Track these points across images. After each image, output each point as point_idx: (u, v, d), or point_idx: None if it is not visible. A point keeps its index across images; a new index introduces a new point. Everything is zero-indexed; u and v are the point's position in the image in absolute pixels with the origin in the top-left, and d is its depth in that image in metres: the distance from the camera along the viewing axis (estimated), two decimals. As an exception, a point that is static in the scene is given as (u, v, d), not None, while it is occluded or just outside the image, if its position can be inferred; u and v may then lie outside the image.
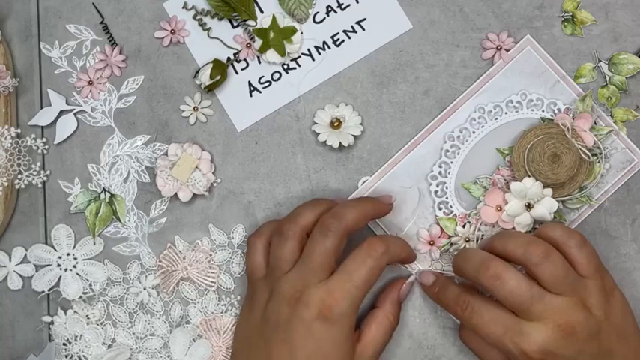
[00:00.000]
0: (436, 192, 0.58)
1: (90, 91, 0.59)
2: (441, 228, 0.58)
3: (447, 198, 0.58)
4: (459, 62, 0.59)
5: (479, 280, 0.50)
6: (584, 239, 0.51)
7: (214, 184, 0.59)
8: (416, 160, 0.58)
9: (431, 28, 0.59)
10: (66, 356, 0.59)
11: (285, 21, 0.58)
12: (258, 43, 0.58)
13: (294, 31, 0.58)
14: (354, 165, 0.59)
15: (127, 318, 0.59)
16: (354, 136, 0.58)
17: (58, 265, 0.59)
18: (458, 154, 0.58)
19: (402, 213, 0.58)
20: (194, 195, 0.58)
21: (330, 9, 0.59)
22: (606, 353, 0.50)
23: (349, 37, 0.59)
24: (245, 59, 0.59)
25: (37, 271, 0.59)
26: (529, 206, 0.55)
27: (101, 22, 0.60)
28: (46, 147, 0.59)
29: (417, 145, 0.58)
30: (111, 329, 0.59)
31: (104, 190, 0.59)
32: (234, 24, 0.59)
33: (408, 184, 0.58)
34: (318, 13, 0.59)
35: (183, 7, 0.60)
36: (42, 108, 0.60)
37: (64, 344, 0.59)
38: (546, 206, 0.55)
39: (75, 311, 0.59)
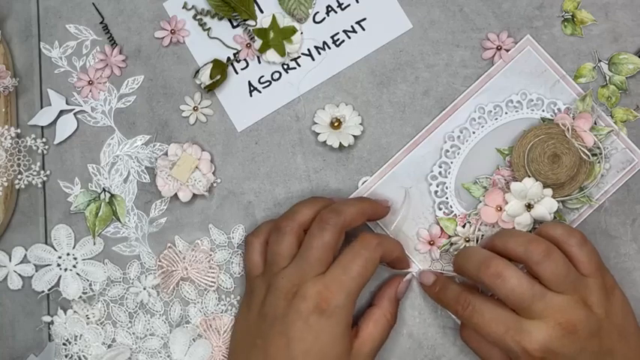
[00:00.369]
0: (436, 192, 0.58)
1: (90, 91, 0.59)
2: (441, 228, 0.58)
3: (447, 198, 0.58)
4: (459, 62, 0.59)
5: (480, 278, 0.50)
6: (585, 238, 0.51)
7: (214, 184, 0.59)
8: (416, 160, 0.58)
9: (431, 28, 0.59)
10: (66, 356, 0.59)
11: (285, 21, 0.58)
12: (258, 43, 0.58)
13: (294, 31, 0.58)
14: (354, 165, 0.59)
15: (127, 318, 0.59)
16: (354, 136, 0.58)
17: (58, 265, 0.59)
18: (458, 154, 0.58)
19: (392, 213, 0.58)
20: (194, 195, 0.58)
21: (330, 9, 0.59)
22: (607, 352, 0.50)
23: (349, 37, 0.59)
24: (245, 59, 0.59)
25: (37, 271, 0.59)
26: (529, 206, 0.55)
27: (101, 22, 0.60)
28: (46, 147, 0.59)
29: (417, 145, 0.58)
30: (111, 329, 0.59)
31: (104, 190, 0.59)
32: (234, 24, 0.59)
33: (408, 184, 0.58)
34: (318, 12, 0.59)
35: (183, 7, 0.60)
36: (42, 108, 0.60)
37: (64, 344, 0.59)
38: (546, 206, 0.55)
39: (75, 311, 0.59)
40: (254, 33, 0.58)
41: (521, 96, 0.58)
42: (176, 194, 0.58)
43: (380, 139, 0.59)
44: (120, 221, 0.59)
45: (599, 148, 0.56)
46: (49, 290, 0.59)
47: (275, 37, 0.58)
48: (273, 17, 0.58)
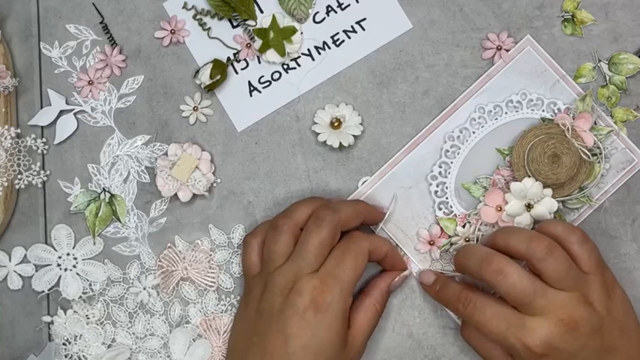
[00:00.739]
0: (436, 192, 0.58)
1: (90, 91, 0.59)
2: (441, 228, 0.58)
3: (447, 198, 0.58)
4: (459, 62, 0.59)
5: (481, 274, 0.50)
6: (586, 235, 0.51)
7: (214, 184, 0.59)
8: (416, 160, 0.58)
9: (431, 28, 0.59)
10: (65, 356, 0.59)
11: (285, 21, 0.58)
12: (258, 43, 0.58)
13: (294, 31, 0.58)
14: (354, 165, 0.59)
15: (127, 318, 0.59)
16: (354, 136, 0.58)
17: (58, 265, 0.59)
18: (458, 154, 0.58)
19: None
20: (194, 195, 0.58)
21: (330, 9, 0.59)
22: (609, 349, 0.50)
23: (349, 37, 0.59)
24: (245, 59, 0.59)
25: (37, 271, 0.59)
26: (529, 206, 0.55)
27: (101, 22, 0.60)
28: (46, 147, 0.59)
29: (417, 145, 0.58)
30: (111, 329, 0.59)
31: (104, 190, 0.59)
32: (234, 24, 0.59)
33: (408, 184, 0.58)
34: (318, 12, 0.59)
35: (183, 7, 0.59)
36: (42, 108, 0.60)
37: (64, 344, 0.59)
38: (546, 206, 0.55)
39: (75, 311, 0.59)
40: (254, 33, 0.58)
41: (521, 96, 0.58)
42: (176, 194, 0.58)
43: (380, 139, 0.59)
44: (120, 221, 0.59)
45: (599, 148, 0.56)
46: (49, 290, 0.59)
47: (275, 37, 0.58)
48: (273, 17, 0.58)
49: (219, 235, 0.59)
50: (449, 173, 0.58)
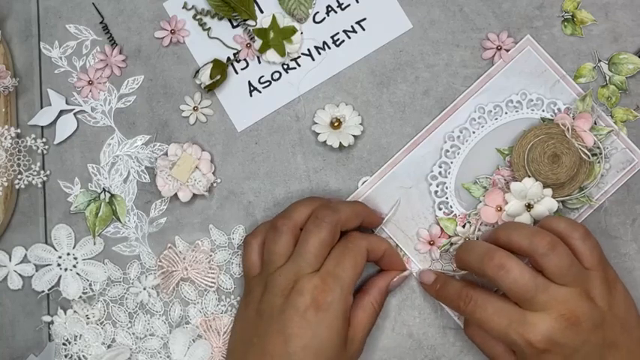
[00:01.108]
0: (436, 192, 0.58)
1: (90, 91, 0.59)
2: (441, 228, 0.58)
3: (447, 198, 0.58)
4: (459, 62, 0.59)
5: (483, 270, 0.50)
6: (588, 231, 0.52)
7: (214, 184, 0.59)
8: (416, 160, 0.58)
9: (431, 28, 0.59)
10: (65, 356, 0.59)
11: (285, 21, 0.58)
12: (258, 43, 0.58)
13: (294, 31, 0.58)
14: (354, 165, 0.59)
15: (127, 318, 0.59)
16: (354, 136, 0.58)
17: (58, 265, 0.59)
18: (458, 154, 0.58)
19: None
20: (194, 195, 0.58)
21: (330, 9, 0.59)
22: (610, 344, 0.50)
23: (349, 37, 0.59)
24: (245, 59, 0.59)
25: (37, 271, 0.59)
26: (529, 206, 0.55)
27: (101, 22, 0.60)
28: (46, 147, 0.59)
29: (417, 145, 0.58)
30: (110, 329, 0.59)
31: (104, 190, 0.59)
32: (234, 24, 0.59)
33: (408, 184, 0.58)
34: (318, 12, 0.59)
35: (183, 7, 0.60)
36: (42, 108, 0.60)
37: (64, 344, 0.59)
38: (546, 206, 0.55)
39: (75, 311, 0.59)
40: (254, 33, 0.58)
41: (521, 96, 0.58)
42: (176, 194, 0.58)
43: (380, 139, 0.59)
44: (120, 221, 0.59)
45: (599, 148, 0.56)
46: (49, 290, 0.59)
47: (275, 37, 0.58)
48: (273, 17, 0.58)
49: (219, 236, 0.59)
50: (449, 173, 0.58)
